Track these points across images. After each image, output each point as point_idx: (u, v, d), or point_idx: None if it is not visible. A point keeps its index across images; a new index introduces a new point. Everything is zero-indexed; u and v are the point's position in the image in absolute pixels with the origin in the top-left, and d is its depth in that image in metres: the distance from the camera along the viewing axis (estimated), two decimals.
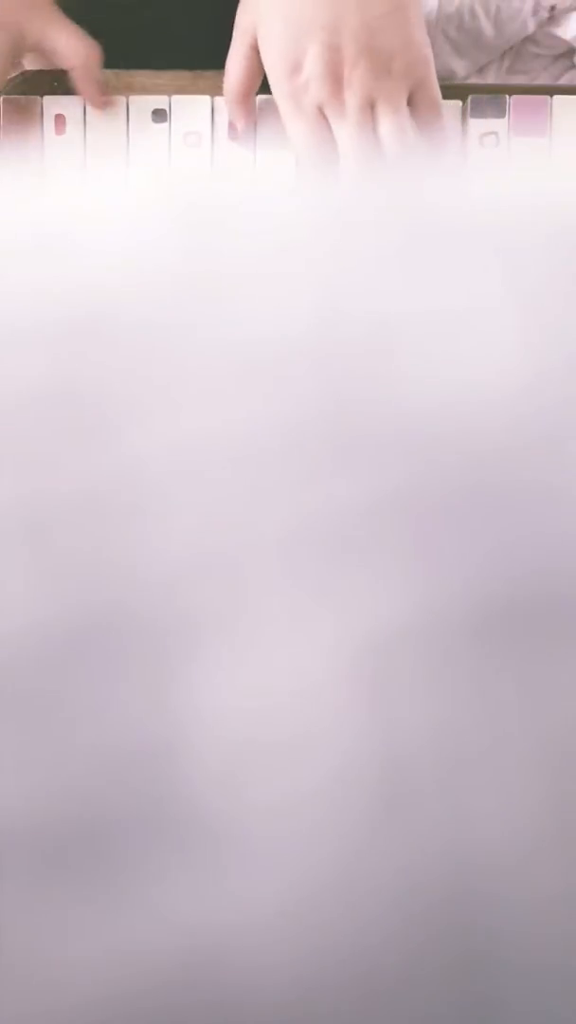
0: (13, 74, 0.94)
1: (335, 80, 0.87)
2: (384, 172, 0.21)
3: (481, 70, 1.27)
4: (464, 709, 0.15)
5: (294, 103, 0.88)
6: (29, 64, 0.97)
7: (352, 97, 0.87)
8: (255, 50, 0.89)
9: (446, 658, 0.16)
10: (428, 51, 0.90)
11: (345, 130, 0.87)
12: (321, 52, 0.86)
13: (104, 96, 0.93)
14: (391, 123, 0.87)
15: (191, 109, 0.95)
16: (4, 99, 0.94)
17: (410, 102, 0.90)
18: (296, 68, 0.87)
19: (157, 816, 0.15)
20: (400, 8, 0.88)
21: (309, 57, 0.87)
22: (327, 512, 0.16)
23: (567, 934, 0.15)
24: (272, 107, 0.92)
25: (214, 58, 0.95)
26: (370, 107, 0.88)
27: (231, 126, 0.92)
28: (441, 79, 0.95)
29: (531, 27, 1.23)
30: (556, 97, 0.95)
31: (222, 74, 0.95)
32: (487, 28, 1.22)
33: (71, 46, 0.91)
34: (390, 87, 0.88)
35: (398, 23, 0.88)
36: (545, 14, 1.23)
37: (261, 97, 0.93)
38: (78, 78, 0.92)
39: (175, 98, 0.95)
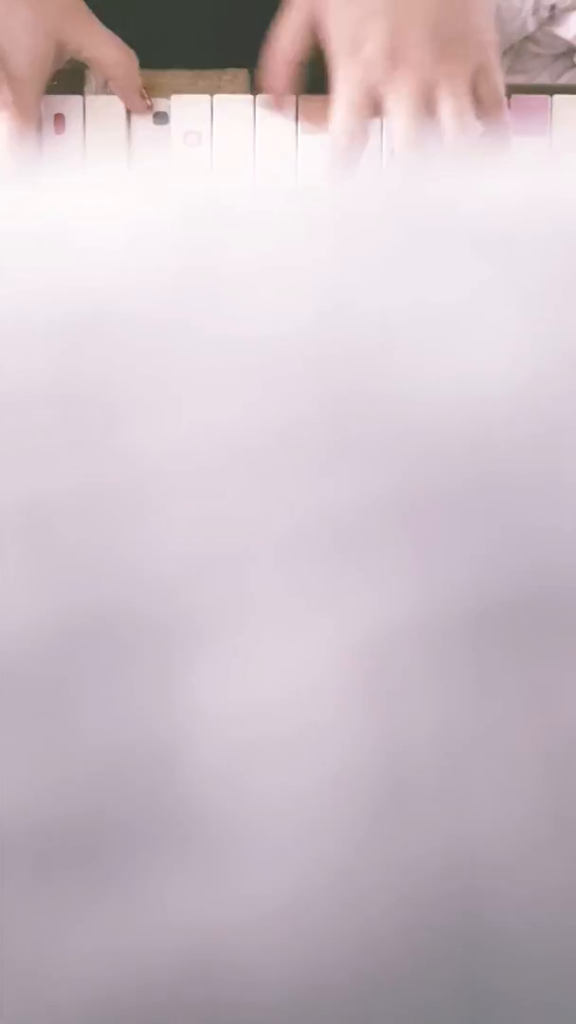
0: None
1: (395, 62, 0.86)
2: (384, 171, 0.21)
3: None
4: (465, 706, 0.15)
5: (349, 81, 0.87)
6: None
7: (413, 79, 0.86)
8: (308, 26, 0.89)
9: (447, 656, 0.16)
10: (493, 37, 0.89)
11: (402, 111, 0.86)
12: (385, 33, 0.86)
13: (146, 101, 0.94)
14: (451, 106, 0.86)
15: (191, 109, 0.95)
16: None
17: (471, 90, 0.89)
18: (358, 47, 0.87)
19: (158, 815, 0.15)
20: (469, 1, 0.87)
21: (372, 37, 0.86)
22: (328, 510, 0.16)
23: (567, 929, 0.15)
24: (272, 105, 0.92)
25: (214, 58, 0.95)
26: (427, 90, 0.87)
27: (276, 97, 0.91)
28: None
29: (531, 26, 1.23)
30: (556, 97, 0.95)
31: (222, 74, 0.95)
32: None
33: (110, 56, 0.92)
34: (452, 71, 0.87)
35: (464, 9, 0.87)
36: (545, 13, 1.23)
37: (262, 97, 0.93)
38: (118, 87, 0.93)
39: (175, 98, 0.95)
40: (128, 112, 0.95)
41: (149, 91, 0.94)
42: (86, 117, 0.95)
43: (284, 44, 0.90)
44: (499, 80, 0.89)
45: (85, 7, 0.92)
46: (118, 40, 0.92)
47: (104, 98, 0.95)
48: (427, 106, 0.86)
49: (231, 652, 0.16)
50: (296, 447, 0.17)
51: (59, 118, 0.95)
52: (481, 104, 0.88)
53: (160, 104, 0.95)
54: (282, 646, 0.16)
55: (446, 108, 0.86)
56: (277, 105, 0.92)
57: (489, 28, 0.89)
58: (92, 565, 0.16)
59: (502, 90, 0.89)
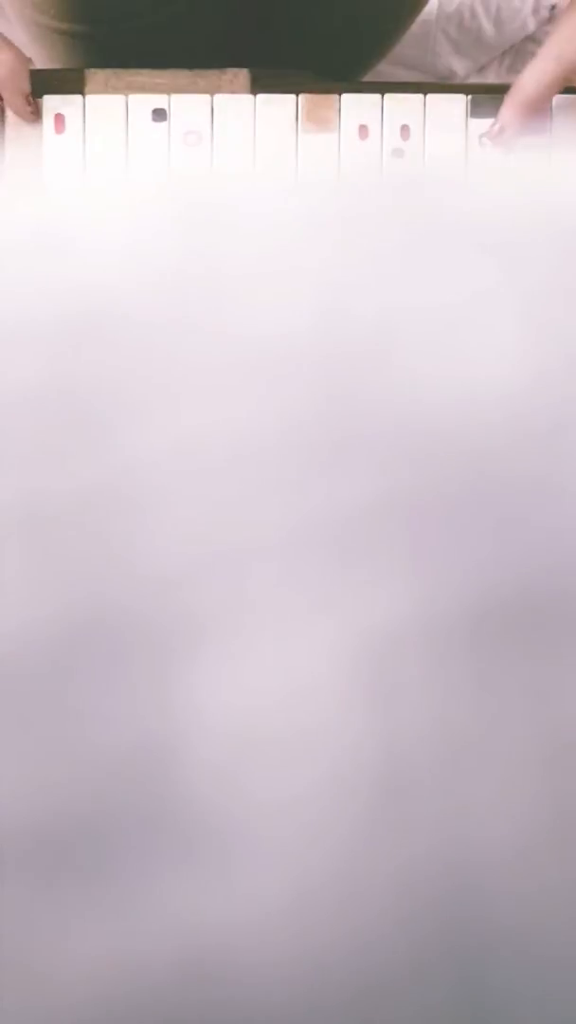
0: None
1: None
2: (385, 171, 0.21)
3: (481, 69, 1.27)
4: (464, 706, 0.15)
5: None
6: (29, 64, 0.97)
7: None
8: (567, 74, 0.88)
9: (446, 655, 0.16)
10: None
11: None
12: None
13: (30, 107, 0.92)
14: None
15: (191, 109, 0.95)
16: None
17: None
18: None
19: (157, 815, 0.15)
20: None
21: None
22: (328, 510, 0.16)
23: (566, 929, 0.15)
24: (272, 105, 0.92)
25: (214, 58, 0.95)
26: None
27: (502, 129, 0.90)
28: (441, 79, 0.95)
29: (531, 26, 1.23)
30: (556, 97, 0.95)
31: (222, 74, 0.95)
32: (487, 27, 1.22)
33: None
34: None
35: None
36: (545, 13, 1.23)
37: (262, 96, 0.93)
38: (2, 89, 0.91)
39: (175, 98, 0.95)
40: (128, 112, 0.94)
41: (149, 91, 0.94)
42: (86, 117, 0.95)
43: (535, 95, 0.88)
44: None
45: None
46: (7, 40, 0.91)
47: (104, 98, 0.95)
48: None
49: (231, 652, 0.16)
50: (296, 448, 0.17)
51: (59, 118, 0.95)
52: None
53: (160, 103, 0.95)
54: (282, 646, 0.16)
55: None
56: (500, 142, 0.90)
57: None
58: (92, 565, 0.16)
59: None
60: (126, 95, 0.94)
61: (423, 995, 0.15)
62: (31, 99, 0.93)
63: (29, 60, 0.92)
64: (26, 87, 0.92)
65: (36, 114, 0.93)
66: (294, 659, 0.16)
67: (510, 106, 0.89)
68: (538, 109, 0.89)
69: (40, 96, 0.94)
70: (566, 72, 0.87)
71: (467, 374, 0.17)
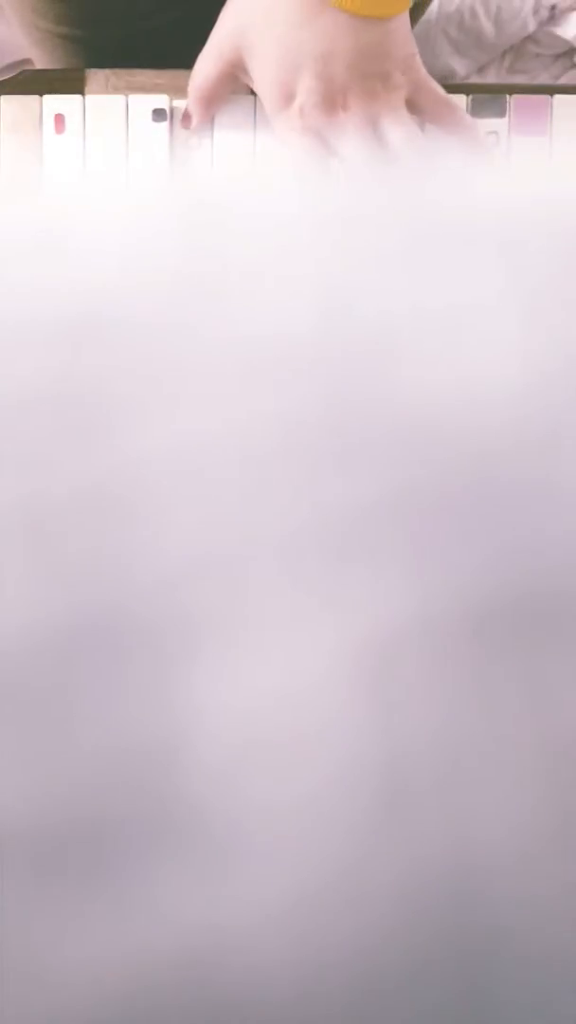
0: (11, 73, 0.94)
1: (330, 107, 0.86)
2: (386, 171, 0.21)
3: (481, 69, 1.27)
4: (465, 708, 0.15)
5: (289, 127, 0.88)
6: (29, 64, 0.97)
7: (353, 120, 0.86)
8: (230, 77, 0.89)
9: (447, 657, 0.16)
10: (414, 50, 0.89)
11: (352, 152, 0.86)
12: (314, 82, 0.85)
13: None
14: (399, 134, 0.86)
15: None
16: (4, 98, 0.94)
17: (414, 108, 0.89)
18: (290, 97, 0.86)
19: (157, 816, 0.15)
20: (389, 32, 0.86)
21: (302, 87, 0.86)
22: (328, 512, 0.16)
23: (568, 932, 0.15)
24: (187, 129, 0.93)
25: None
26: (370, 125, 0.87)
27: (186, 117, 0.93)
28: (441, 79, 0.94)
29: (531, 26, 1.23)
30: (556, 97, 0.95)
31: None
32: (487, 27, 1.23)
33: None
34: (387, 101, 0.87)
35: (388, 45, 0.87)
36: (546, 13, 1.23)
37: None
38: None
39: (175, 98, 0.95)
40: (128, 113, 0.95)
41: (149, 91, 0.94)
42: (86, 117, 0.95)
43: (203, 87, 0.90)
44: (436, 88, 0.89)
45: None
46: None
47: (104, 98, 0.95)
48: (375, 140, 0.86)
49: (232, 653, 0.16)
50: (297, 449, 0.17)
51: (59, 118, 0.95)
52: (429, 114, 0.88)
53: (160, 104, 0.95)
54: (283, 647, 0.16)
55: (395, 136, 0.86)
56: (186, 128, 0.93)
57: (408, 43, 0.88)
58: (92, 566, 0.16)
59: (442, 93, 0.89)
60: (126, 95, 0.94)
61: (424, 998, 0.15)
62: None
63: (28, 60, 0.92)
64: None
65: None
66: (295, 661, 0.16)
67: (191, 100, 0.91)
68: (214, 102, 0.91)
69: (40, 96, 0.94)
70: (230, 69, 0.88)
71: (469, 375, 0.17)
